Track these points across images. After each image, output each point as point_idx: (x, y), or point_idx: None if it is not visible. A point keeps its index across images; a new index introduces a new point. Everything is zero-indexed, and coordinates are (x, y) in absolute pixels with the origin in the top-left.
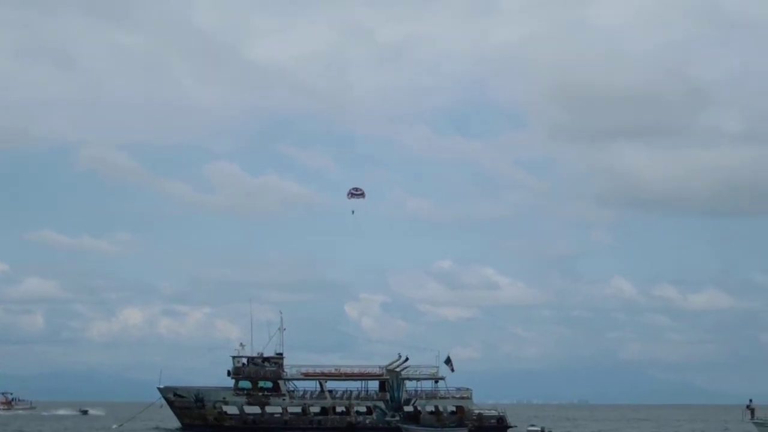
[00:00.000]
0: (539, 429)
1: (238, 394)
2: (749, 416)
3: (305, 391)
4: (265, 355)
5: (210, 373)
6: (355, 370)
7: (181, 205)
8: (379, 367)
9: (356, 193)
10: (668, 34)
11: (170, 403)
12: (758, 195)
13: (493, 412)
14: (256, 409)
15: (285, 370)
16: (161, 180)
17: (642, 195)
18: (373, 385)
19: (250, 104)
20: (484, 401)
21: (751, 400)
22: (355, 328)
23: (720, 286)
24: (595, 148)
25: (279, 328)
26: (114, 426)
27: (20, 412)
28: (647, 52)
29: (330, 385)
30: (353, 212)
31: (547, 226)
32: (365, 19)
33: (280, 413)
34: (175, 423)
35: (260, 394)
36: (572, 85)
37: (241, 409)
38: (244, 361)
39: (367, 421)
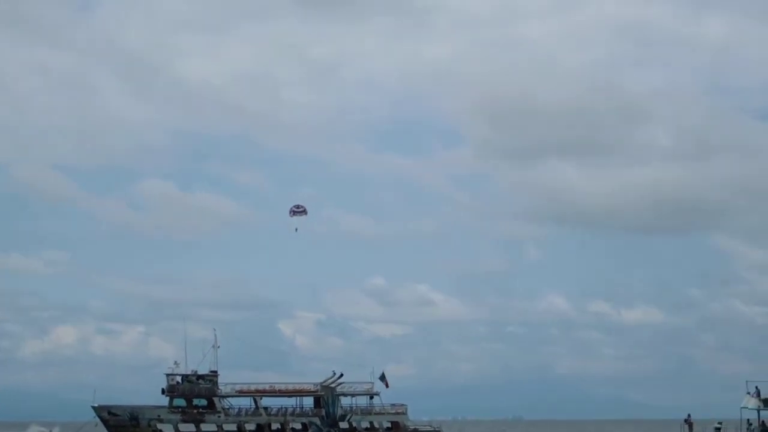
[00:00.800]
0: None
1: (172, 412)
2: (687, 430)
3: (240, 409)
4: (199, 373)
5: (145, 392)
6: (290, 387)
7: (113, 223)
8: (314, 383)
9: (298, 211)
10: (596, 50)
11: (105, 422)
12: (688, 211)
13: (429, 428)
14: (191, 427)
15: (220, 387)
16: (93, 199)
17: (574, 211)
18: (309, 401)
19: (182, 123)
20: (419, 417)
21: (689, 415)
22: (290, 345)
23: (652, 302)
24: (527, 164)
25: (213, 346)
26: None
27: None
28: (575, 69)
29: (265, 402)
30: (296, 230)
31: (481, 243)
32: (296, 37)
33: (216, 430)
34: None
35: (195, 411)
36: (503, 102)
37: (176, 427)
38: (179, 378)
39: None
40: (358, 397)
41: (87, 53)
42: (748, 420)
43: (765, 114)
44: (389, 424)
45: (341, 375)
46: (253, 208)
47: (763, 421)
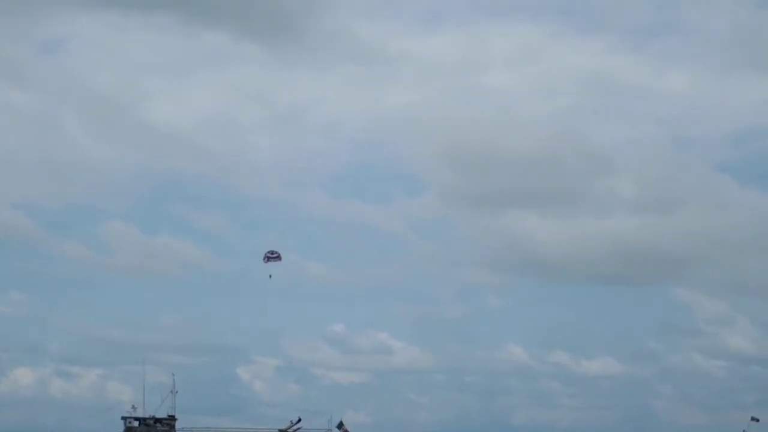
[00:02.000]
0: None
1: None
2: None
3: None
4: (157, 417)
5: None
6: None
7: (75, 264)
8: (273, 429)
9: (272, 257)
10: (561, 100)
11: None
12: (651, 263)
13: None
14: None
15: (177, 431)
16: (55, 239)
17: (536, 261)
18: None
19: (146, 164)
20: None
21: None
22: (248, 390)
23: (613, 353)
24: (491, 212)
25: (171, 391)
26: None
27: None
28: (540, 118)
29: None
30: (270, 276)
31: (442, 291)
32: (261, 83)
33: None
34: None
35: None
36: (467, 149)
37: None
38: (136, 423)
39: None
40: None
41: (51, 92)
42: None
43: (727, 166)
44: None
45: (299, 420)
46: (215, 251)
47: None
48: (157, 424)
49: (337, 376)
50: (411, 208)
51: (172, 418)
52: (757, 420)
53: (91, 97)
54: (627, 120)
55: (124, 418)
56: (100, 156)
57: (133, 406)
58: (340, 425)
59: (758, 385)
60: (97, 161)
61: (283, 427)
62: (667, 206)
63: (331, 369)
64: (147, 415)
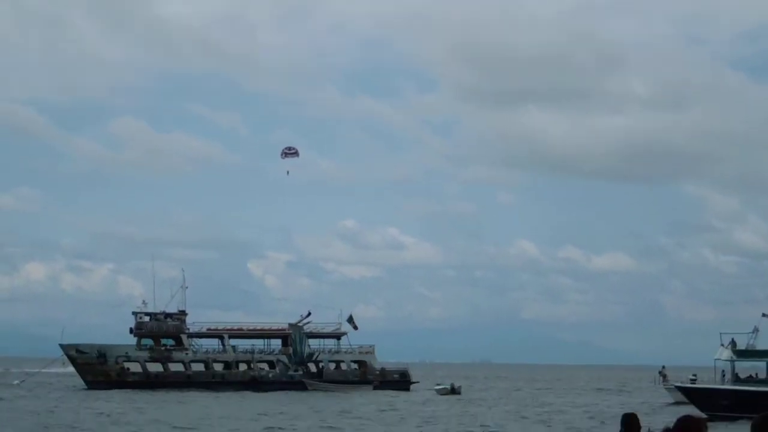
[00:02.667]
0: (448, 386)
1: (140, 350)
2: (662, 381)
3: (208, 348)
4: (167, 312)
5: (114, 330)
6: (258, 327)
7: (86, 160)
8: (282, 324)
9: (290, 153)
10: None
11: (72, 360)
12: (662, 160)
13: (396, 369)
14: (159, 366)
15: (188, 326)
16: (67, 135)
17: (548, 158)
18: (276, 343)
19: (157, 61)
20: (386, 359)
21: (663, 366)
22: (259, 285)
23: (623, 249)
24: (503, 109)
25: (181, 286)
26: (15, 382)
27: None
28: (555, 15)
29: (233, 341)
30: (288, 172)
31: (453, 188)
32: None
33: (183, 369)
34: (78, 380)
35: (163, 350)
36: (480, 47)
37: (144, 366)
38: (147, 318)
39: (270, 376)
40: (326, 338)
41: None
42: (722, 371)
43: (739, 64)
44: (356, 365)
45: (309, 314)
46: (227, 148)
47: (736, 373)
48: (168, 319)
49: (348, 271)
50: (422, 105)
51: (183, 313)
52: None
53: None
54: (638, 18)
55: (134, 313)
56: (110, 53)
57: (143, 302)
58: (350, 320)
59: None
60: (107, 58)
61: (293, 321)
62: (679, 103)
63: (342, 264)
64: (157, 311)
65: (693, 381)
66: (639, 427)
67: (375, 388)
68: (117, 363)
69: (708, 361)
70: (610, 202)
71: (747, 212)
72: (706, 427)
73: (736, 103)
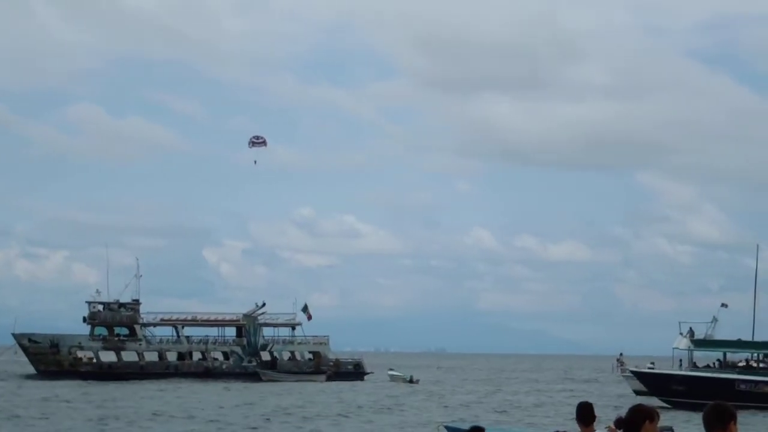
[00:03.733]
0: (404, 375)
1: (93, 340)
2: (619, 368)
3: (162, 338)
4: (121, 301)
5: (68, 317)
6: (212, 317)
7: (42, 146)
8: (237, 314)
9: (257, 142)
10: None
11: (25, 349)
12: (619, 149)
13: (350, 359)
14: (112, 355)
15: (142, 316)
16: (23, 121)
17: (505, 147)
18: (231, 332)
19: (116, 47)
20: (341, 349)
21: (621, 354)
22: (214, 274)
23: (580, 239)
24: (461, 98)
25: (136, 275)
26: None
27: None
28: (514, 3)
29: (187, 331)
30: (255, 162)
31: (410, 176)
32: None
33: (136, 359)
34: (30, 369)
35: (116, 339)
36: (439, 35)
37: (97, 355)
38: (100, 307)
39: (224, 367)
40: (280, 327)
41: None
42: (680, 360)
43: (696, 54)
44: (310, 355)
45: (263, 304)
46: (184, 135)
47: (694, 362)
48: (121, 309)
49: (304, 259)
50: (380, 92)
51: (137, 302)
52: (726, 306)
53: None
54: (597, 6)
55: (88, 303)
56: (69, 39)
57: (97, 290)
58: (305, 309)
59: (724, 270)
60: (66, 45)
61: (248, 309)
62: (636, 93)
63: (299, 252)
64: (111, 300)
65: (651, 369)
66: (593, 417)
67: (329, 378)
68: (70, 353)
69: (664, 350)
70: (566, 191)
71: (702, 202)
72: (658, 416)
73: (693, 93)
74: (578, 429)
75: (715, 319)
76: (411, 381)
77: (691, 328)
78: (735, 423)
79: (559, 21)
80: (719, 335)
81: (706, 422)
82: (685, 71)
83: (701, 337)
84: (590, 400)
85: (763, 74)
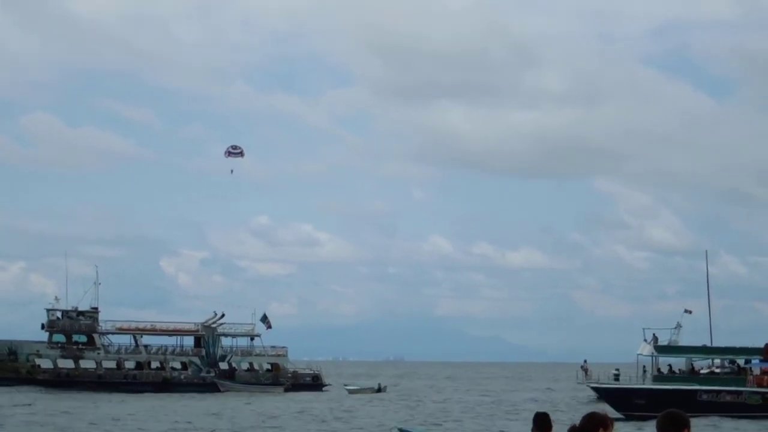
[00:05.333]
0: (375, 387)
1: (52, 348)
2: (583, 376)
3: (120, 346)
4: (80, 310)
5: (25, 328)
6: (171, 326)
7: None
8: (195, 323)
9: (234, 152)
10: None
11: None
12: (575, 156)
13: (309, 371)
14: (70, 363)
15: (100, 324)
16: None
17: (461, 154)
18: (189, 341)
19: (70, 57)
20: (300, 357)
21: (585, 361)
22: (172, 283)
23: (537, 245)
24: (417, 105)
25: (94, 283)
26: None
27: None
28: (469, 10)
29: (145, 340)
30: (232, 171)
31: (366, 184)
32: None
33: (95, 367)
34: None
35: (74, 347)
36: (394, 42)
37: (55, 363)
38: (59, 314)
39: (182, 377)
40: (238, 338)
41: None
42: (643, 366)
43: (650, 61)
44: (269, 366)
45: (222, 315)
46: (140, 144)
47: (658, 368)
48: (80, 317)
49: (261, 268)
50: (336, 100)
51: (95, 310)
52: (690, 312)
53: None
54: (549, 13)
55: (47, 310)
56: (22, 49)
57: (56, 298)
58: (264, 319)
59: (681, 276)
60: (19, 54)
61: (206, 319)
62: (591, 99)
63: (256, 261)
64: (70, 308)
65: (616, 375)
66: (550, 426)
67: (287, 390)
68: (28, 360)
69: (627, 356)
70: (523, 198)
71: (658, 208)
72: (612, 423)
73: (648, 100)
74: None
75: (679, 325)
76: (379, 390)
77: (654, 334)
78: (689, 430)
79: (514, 29)
80: (683, 341)
81: (660, 429)
82: (639, 78)
83: (665, 343)
84: (550, 408)
85: (717, 79)
